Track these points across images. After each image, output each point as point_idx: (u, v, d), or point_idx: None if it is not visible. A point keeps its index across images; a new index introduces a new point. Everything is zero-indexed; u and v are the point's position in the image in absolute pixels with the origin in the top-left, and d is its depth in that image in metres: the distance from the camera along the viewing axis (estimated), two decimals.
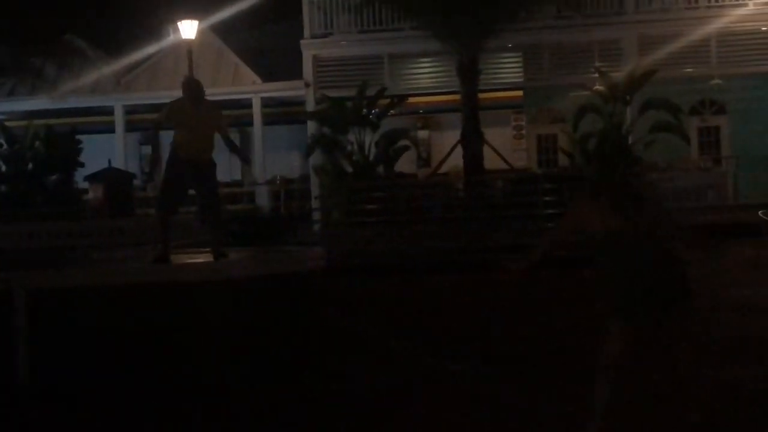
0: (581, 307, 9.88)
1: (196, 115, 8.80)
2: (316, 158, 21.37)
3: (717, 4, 23.98)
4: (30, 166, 22.82)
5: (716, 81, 24.48)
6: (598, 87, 19.63)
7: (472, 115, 19.25)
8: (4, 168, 23.09)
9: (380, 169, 19.37)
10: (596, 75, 20.63)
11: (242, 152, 9.26)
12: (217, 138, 8.93)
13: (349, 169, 19.22)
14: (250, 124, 27.12)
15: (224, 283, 7.63)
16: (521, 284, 10.94)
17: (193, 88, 9.06)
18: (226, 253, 9.09)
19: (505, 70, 25.13)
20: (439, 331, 9.06)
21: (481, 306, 10.73)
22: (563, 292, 11.34)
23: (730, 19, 23.63)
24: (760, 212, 14.64)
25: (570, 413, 5.73)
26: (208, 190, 9.06)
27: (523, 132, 25.67)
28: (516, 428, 5.70)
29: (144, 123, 28.14)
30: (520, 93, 25.41)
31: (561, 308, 10.11)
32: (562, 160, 22.77)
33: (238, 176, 28.06)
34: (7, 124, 24.86)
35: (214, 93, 25.02)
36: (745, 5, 23.74)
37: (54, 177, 22.91)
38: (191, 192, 9.22)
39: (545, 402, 6.09)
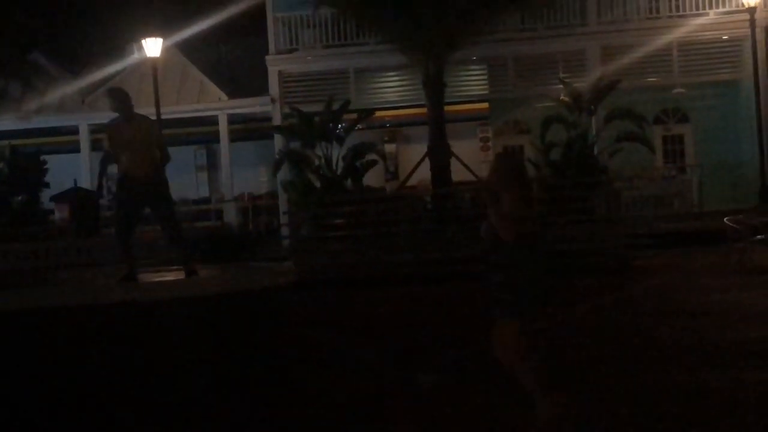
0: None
1: (131, 130, 8.76)
2: (284, 173, 21.32)
3: (678, 13, 24.30)
4: None
5: (679, 90, 24.79)
6: (563, 97, 19.77)
7: (438, 127, 19.32)
8: None
9: (348, 183, 19.35)
10: (561, 86, 20.80)
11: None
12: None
13: (318, 184, 19.19)
14: (217, 141, 27.06)
15: (194, 300, 7.61)
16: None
17: (116, 97, 8.98)
18: (197, 271, 9.08)
19: (471, 83, 25.30)
20: (409, 342, 9.09)
21: (451, 317, 10.77)
22: None
23: (691, 28, 23.96)
24: (725, 219, 14.82)
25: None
26: (164, 209, 9.04)
27: (490, 144, 25.82)
28: None
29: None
30: (485, 105, 25.58)
31: None
32: (529, 170, 22.86)
33: (206, 193, 27.99)
34: None
35: (180, 110, 25.21)
36: (706, 14, 24.09)
37: (19, 197, 22.71)
38: (148, 210, 9.21)
39: (514, 410, 6.12)
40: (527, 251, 5.32)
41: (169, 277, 9.46)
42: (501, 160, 5.91)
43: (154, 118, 21.78)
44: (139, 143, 8.76)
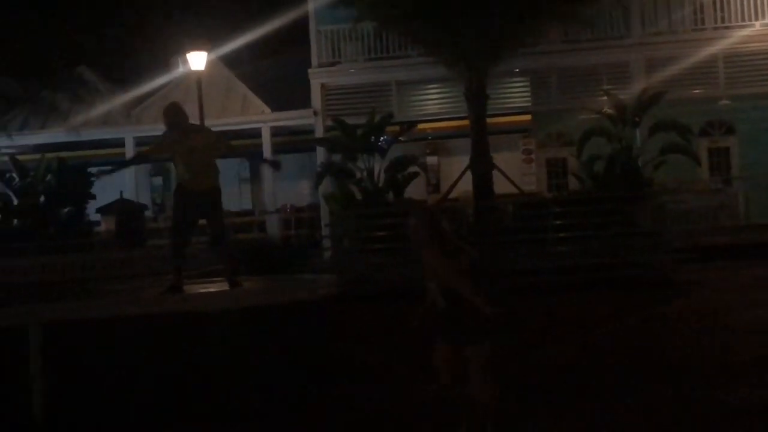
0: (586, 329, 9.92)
1: (188, 143, 8.84)
2: (326, 186, 21.42)
3: (723, 25, 24.06)
4: (42, 198, 22.94)
5: (725, 102, 24.51)
6: (607, 110, 19.64)
7: (480, 140, 19.25)
8: (16, 201, 23.22)
9: (390, 195, 19.38)
10: (604, 98, 20.67)
11: (271, 161, 9.34)
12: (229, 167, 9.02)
13: (359, 196, 19.24)
14: (260, 153, 27.24)
15: (236, 311, 7.68)
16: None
17: (170, 114, 9.05)
18: (241, 282, 9.16)
19: (513, 95, 25.22)
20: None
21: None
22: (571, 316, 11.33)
23: (736, 39, 23.70)
24: None
25: None
26: (215, 218, 9.14)
27: (532, 156, 25.71)
28: None
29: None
30: (528, 117, 25.48)
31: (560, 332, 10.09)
32: (573, 183, 22.77)
33: (248, 205, 28.20)
34: (20, 157, 25.06)
35: (223, 123, 25.44)
36: (752, 25, 23.83)
37: (66, 209, 23.01)
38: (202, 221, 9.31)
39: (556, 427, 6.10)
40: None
41: (213, 288, 9.55)
42: (413, 218, 5.85)
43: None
44: (199, 154, 8.84)
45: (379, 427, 6.52)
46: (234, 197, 27.81)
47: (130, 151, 27.29)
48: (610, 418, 6.33)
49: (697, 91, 24.08)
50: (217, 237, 9.22)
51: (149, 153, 9.39)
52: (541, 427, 6.26)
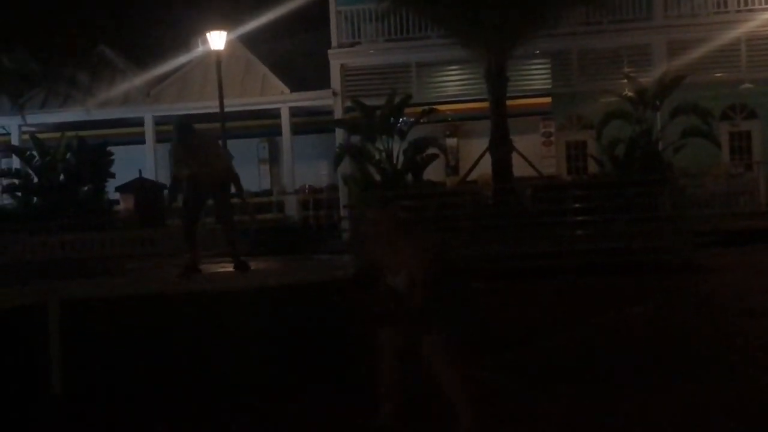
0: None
1: (201, 158, 8.92)
2: (345, 167, 21.41)
3: (746, 7, 23.81)
4: (62, 177, 23.05)
5: (746, 85, 24.27)
6: (628, 93, 19.51)
7: (500, 122, 19.16)
8: (36, 179, 23.33)
9: (409, 177, 19.35)
10: (625, 81, 20.52)
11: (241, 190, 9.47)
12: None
13: (378, 178, 19.23)
14: (279, 133, 27.25)
15: (254, 291, 7.69)
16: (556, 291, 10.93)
17: (180, 129, 9.13)
18: (247, 264, 9.17)
19: (534, 77, 25.07)
20: (471, 340, 9.00)
21: (510, 314, 10.69)
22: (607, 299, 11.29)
23: (759, 22, 23.46)
24: None
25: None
26: (221, 200, 9.21)
27: (552, 139, 25.58)
28: None
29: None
30: (548, 99, 25.32)
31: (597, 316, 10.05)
32: (592, 167, 22.67)
33: (267, 185, 28.21)
34: (39, 135, 25.16)
35: (242, 103, 25.44)
36: None
37: (85, 188, 23.11)
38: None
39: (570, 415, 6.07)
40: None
41: (230, 268, 9.56)
42: (379, 216, 5.85)
43: (217, 110, 22.05)
44: (212, 165, 8.95)
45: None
46: (253, 178, 27.83)
47: (149, 131, 27.39)
48: (624, 400, 6.30)
49: (718, 74, 23.85)
50: (223, 218, 9.31)
51: (179, 175, 9.40)
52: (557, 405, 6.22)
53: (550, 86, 25.11)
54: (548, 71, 25.13)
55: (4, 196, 24.81)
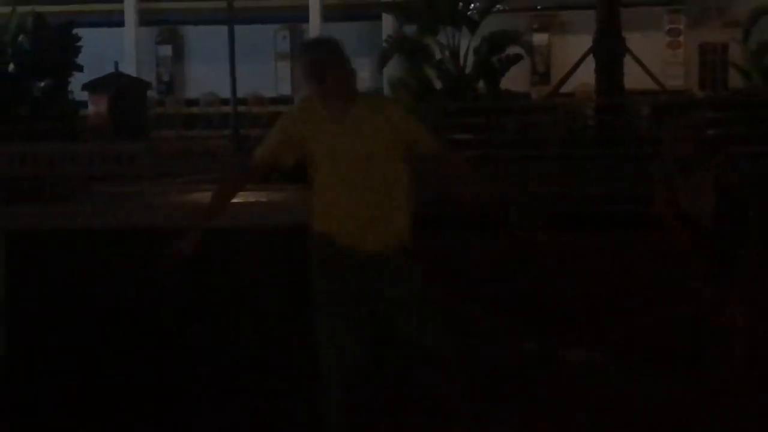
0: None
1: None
2: (394, 68, 21.36)
3: None
4: (11, 67, 23.17)
5: None
6: None
7: (609, 13, 18.99)
8: None
9: (480, 84, 19.30)
10: None
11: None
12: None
13: (439, 85, 19.20)
14: (305, 19, 27.25)
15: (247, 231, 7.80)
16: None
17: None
18: None
19: None
20: (547, 308, 9.06)
21: (606, 275, 10.67)
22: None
23: None
24: None
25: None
26: None
27: (681, 39, 25.37)
28: None
29: (164, 14, 28.49)
30: None
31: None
32: (735, 80, 22.47)
33: (287, 90, 28.28)
34: None
35: None
36: None
37: (43, 83, 23.24)
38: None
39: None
40: None
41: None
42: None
43: None
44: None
45: None
46: (268, 78, 27.87)
47: (130, 8, 27.49)
48: None
49: None
50: None
51: None
52: None
53: None
54: None
55: None
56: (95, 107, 22.65)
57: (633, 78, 19.53)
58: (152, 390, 6.63)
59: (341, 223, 4.50)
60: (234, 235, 7.65)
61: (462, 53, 19.15)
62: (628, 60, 19.08)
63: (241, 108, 22.66)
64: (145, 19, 28.08)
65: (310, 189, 4.69)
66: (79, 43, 23.39)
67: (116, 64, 23.60)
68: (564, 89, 21.26)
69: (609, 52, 18.86)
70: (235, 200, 5.74)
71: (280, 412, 6.03)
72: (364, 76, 27.49)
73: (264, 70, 27.51)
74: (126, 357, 6.95)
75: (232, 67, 21.42)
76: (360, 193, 4.47)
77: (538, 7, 25.57)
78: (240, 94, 22.29)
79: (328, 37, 5.64)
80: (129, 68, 25.49)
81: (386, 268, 4.49)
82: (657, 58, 23.08)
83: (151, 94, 25.41)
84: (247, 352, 7.07)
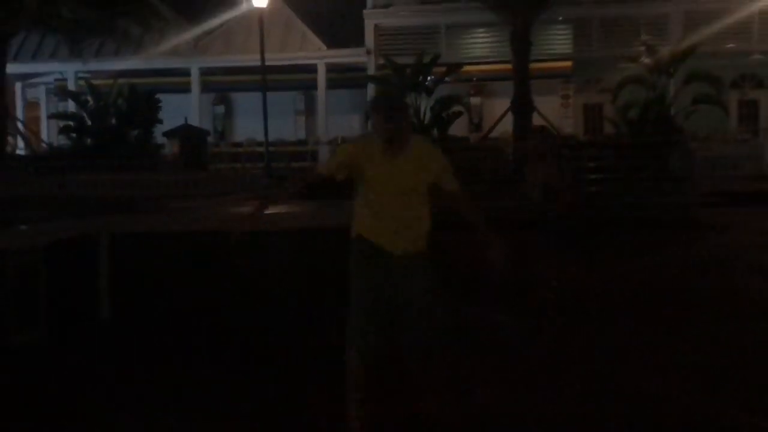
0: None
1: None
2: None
3: None
4: (113, 121, 23.07)
5: (757, 56, 23.89)
6: (645, 60, 19.25)
7: (522, 83, 19.05)
8: (90, 123, 23.37)
9: (434, 132, 19.27)
10: (642, 48, 20.24)
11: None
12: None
13: None
14: (315, 87, 27.22)
15: (285, 233, 7.78)
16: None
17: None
18: None
19: (556, 42, 24.82)
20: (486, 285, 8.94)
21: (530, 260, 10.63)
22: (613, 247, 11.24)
23: None
24: None
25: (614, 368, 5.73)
26: None
27: (570, 101, 25.38)
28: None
29: (218, 84, 28.45)
30: (568, 63, 25.09)
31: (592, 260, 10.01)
32: (608, 128, 22.50)
33: (302, 135, 28.24)
34: (94, 82, 25.16)
35: (282, 58, 25.35)
36: None
37: (135, 132, 23.15)
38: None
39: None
40: None
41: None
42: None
43: (259, 63, 21.98)
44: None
45: None
46: (290, 128, 27.86)
47: (195, 80, 27.43)
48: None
49: (731, 45, 23.47)
50: None
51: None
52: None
53: (570, 51, 24.86)
54: (569, 37, 24.86)
55: (60, 136, 24.96)
56: (171, 148, 22.62)
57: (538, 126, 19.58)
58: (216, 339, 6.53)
59: (380, 230, 4.37)
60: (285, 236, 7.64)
61: (422, 110, 19.12)
62: (534, 115, 19.13)
63: (271, 148, 22.60)
64: (205, 87, 28.04)
65: (355, 200, 4.49)
66: (159, 104, 23.34)
67: (186, 118, 23.60)
68: (492, 135, 21.28)
69: (522, 109, 18.93)
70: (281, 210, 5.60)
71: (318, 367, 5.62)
72: (355, 126, 27.54)
73: (287, 122, 27.52)
74: (199, 319, 6.94)
75: (265, 121, 21.43)
76: (398, 212, 4.34)
77: (474, 79, 25.59)
78: (270, 139, 22.26)
79: (394, 96, 5.37)
80: (194, 121, 25.43)
81: (410, 264, 4.36)
82: (554, 113, 23.10)
83: (210, 139, 25.37)
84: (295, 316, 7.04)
